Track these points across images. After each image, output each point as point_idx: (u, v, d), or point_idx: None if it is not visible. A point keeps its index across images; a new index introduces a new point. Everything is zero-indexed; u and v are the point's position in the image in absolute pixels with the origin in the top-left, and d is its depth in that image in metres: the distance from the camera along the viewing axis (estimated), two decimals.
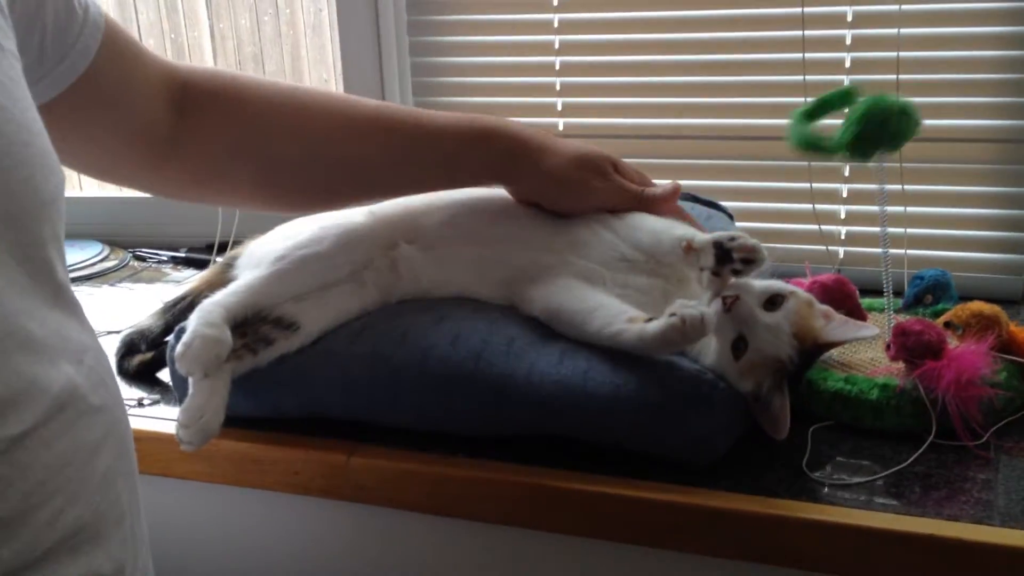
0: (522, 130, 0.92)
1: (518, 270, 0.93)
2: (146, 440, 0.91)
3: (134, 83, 0.83)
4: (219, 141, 0.89)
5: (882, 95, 0.86)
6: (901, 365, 0.86)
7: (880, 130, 0.85)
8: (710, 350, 0.83)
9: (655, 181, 0.96)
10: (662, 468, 0.81)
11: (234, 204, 1.12)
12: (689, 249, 0.85)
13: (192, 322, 0.86)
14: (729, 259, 0.83)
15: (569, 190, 0.92)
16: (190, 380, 0.84)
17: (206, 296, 0.89)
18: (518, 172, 0.92)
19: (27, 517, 0.50)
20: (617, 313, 0.84)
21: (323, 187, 0.93)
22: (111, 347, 1.00)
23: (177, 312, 1.01)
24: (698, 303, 0.80)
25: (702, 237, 0.85)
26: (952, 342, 0.88)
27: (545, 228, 0.95)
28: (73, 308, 0.59)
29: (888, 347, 0.88)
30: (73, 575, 0.53)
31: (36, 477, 0.51)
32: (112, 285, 1.38)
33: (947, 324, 0.92)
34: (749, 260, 0.82)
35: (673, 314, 0.79)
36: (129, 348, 1.02)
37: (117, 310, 1.24)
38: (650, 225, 0.91)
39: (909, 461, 0.81)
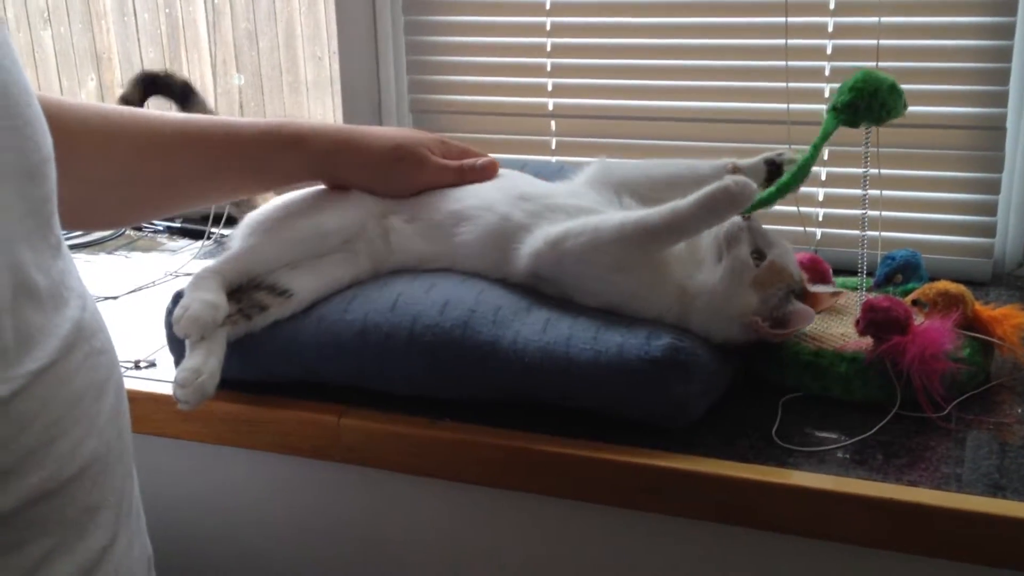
0: (338, 130, 0.99)
1: (510, 229, 0.94)
2: (141, 400, 0.95)
3: None
4: None
5: (875, 71, 0.90)
6: (870, 340, 0.90)
7: (871, 99, 0.88)
8: (720, 267, 0.87)
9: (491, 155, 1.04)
10: (640, 432, 0.84)
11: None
12: (735, 170, 0.91)
13: (189, 288, 0.89)
14: (779, 172, 0.90)
15: (391, 179, 0.99)
16: (187, 342, 0.87)
17: None
18: (338, 170, 0.99)
19: (51, 447, 0.54)
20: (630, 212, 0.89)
21: (136, 204, 0.96)
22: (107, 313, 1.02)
23: None
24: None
25: (748, 159, 0.92)
26: (919, 319, 0.92)
27: (535, 186, 0.99)
28: (70, 260, 0.62)
29: (858, 323, 0.91)
30: (88, 503, 0.57)
31: (56, 410, 0.55)
32: (109, 253, 1.41)
33: (914, 302, 0.95)
34: None
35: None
36: None
37: (114, 277, 1.28)
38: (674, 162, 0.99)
39: (874, 431, 0.84)
